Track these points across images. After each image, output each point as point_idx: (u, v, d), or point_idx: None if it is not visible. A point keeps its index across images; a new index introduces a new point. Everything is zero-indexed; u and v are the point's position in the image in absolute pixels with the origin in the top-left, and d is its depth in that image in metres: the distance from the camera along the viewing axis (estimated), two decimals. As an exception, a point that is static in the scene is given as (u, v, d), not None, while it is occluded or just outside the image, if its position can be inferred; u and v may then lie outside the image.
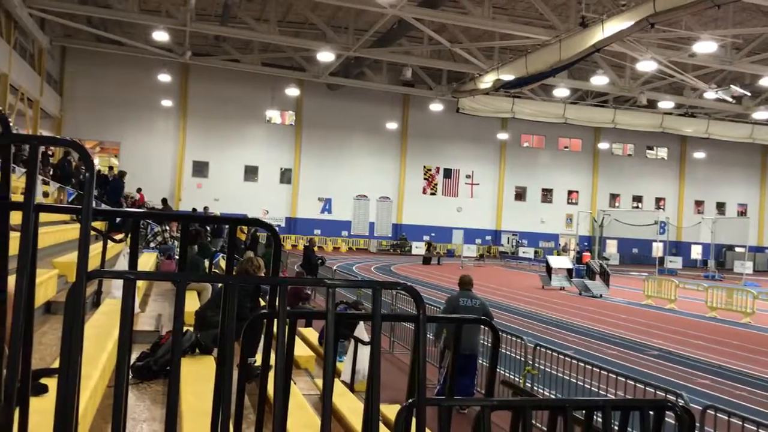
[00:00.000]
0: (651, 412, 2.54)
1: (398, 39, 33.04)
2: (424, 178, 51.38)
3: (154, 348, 6.37)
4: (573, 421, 2.59)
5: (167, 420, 2.12)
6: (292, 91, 43.54)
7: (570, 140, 54.25)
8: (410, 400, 2.24)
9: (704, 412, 6.05)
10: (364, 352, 9.03)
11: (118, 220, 15.66)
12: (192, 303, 9.19)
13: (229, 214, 37.19)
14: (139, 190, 30.00)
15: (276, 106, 46.89)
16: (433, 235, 48.98)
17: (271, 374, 2.76)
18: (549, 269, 29.06)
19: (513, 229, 52.84)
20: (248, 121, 46.38)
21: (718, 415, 6.12)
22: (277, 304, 2.39)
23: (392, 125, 49.02)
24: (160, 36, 31.89)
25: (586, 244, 45.76)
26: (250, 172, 46.91)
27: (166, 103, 44.16)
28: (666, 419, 2.71)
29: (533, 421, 6.79)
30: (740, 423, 5.87)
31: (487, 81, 35.13)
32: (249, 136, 46.65)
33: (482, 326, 9.51)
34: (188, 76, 44.28)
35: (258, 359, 6.20)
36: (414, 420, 2.26)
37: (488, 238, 52.51)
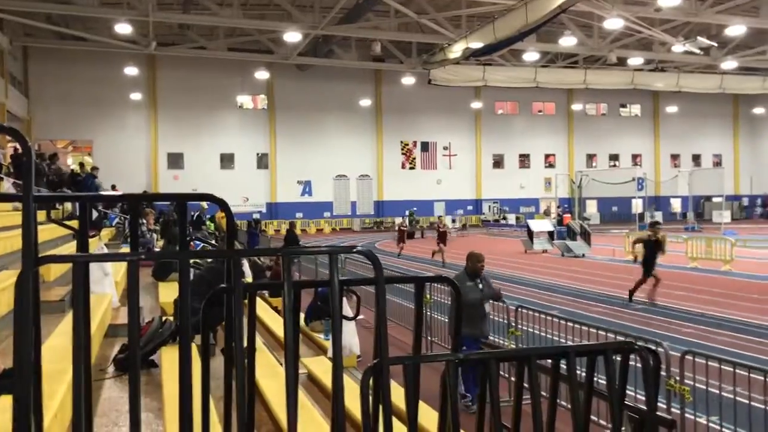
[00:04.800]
0: (616, 356, 2.57)
1: (365, 14, 32.75)
2: (402, 153, 51.31)
3: (135, 339, 6.34)
4: (540, 370, 2.62)
5: (131, 413, 2.11)
6: (262, 75, 43.15)
7: (544, 104, 54.34)
8: (375, 361, 2.26)
9: (683, 357, 6.16)
10: (349, 328, 9.08)
11: (94, 217, 15.52)
12: (172, 293, 9.16)
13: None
14: (113, 187, 29.68)
15: (247, 90, 46.50)
16: (415, 209, 49.08)
17: (259, 357, 2.76)
18: (530, 233, 29.29)
19: (494, 197, 53.04)
20: (220, 109, 45.93)
21: (696, 359, 6.24)
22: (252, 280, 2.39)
23: (366, 102, 48.82)
24: (123, 28, 31.39)
25: (566, 206, 46.08)
26: (227, 160, 46.58)
27: (136, 96, 43.61)
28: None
29: (504, 374, 6.88)
30: (717, 365, 6.00)
31: (456, 50, 35.03)
32: (222, 124, 46.23)
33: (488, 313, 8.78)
34: (155, 68, 43.67)
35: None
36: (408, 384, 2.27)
37: (470, 207, 52.68)
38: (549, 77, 43.34)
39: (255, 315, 2.49)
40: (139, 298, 2.07)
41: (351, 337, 9.13)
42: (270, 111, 47.30)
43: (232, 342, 2.40)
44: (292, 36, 33.89)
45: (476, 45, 32.55)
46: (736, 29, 33.46)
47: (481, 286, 8.30)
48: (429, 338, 11.13)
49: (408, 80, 44.34)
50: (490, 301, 8.71)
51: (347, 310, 9.41)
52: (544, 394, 3.00)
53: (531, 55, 39.44)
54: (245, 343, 2.41)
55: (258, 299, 10.61)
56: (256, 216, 38.84)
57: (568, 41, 35.97)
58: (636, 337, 7.10)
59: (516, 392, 2.65)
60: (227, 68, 43.39)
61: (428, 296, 11.20)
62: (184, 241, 2.13)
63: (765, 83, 46.04)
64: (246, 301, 2.47)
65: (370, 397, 2.29)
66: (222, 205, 2.19)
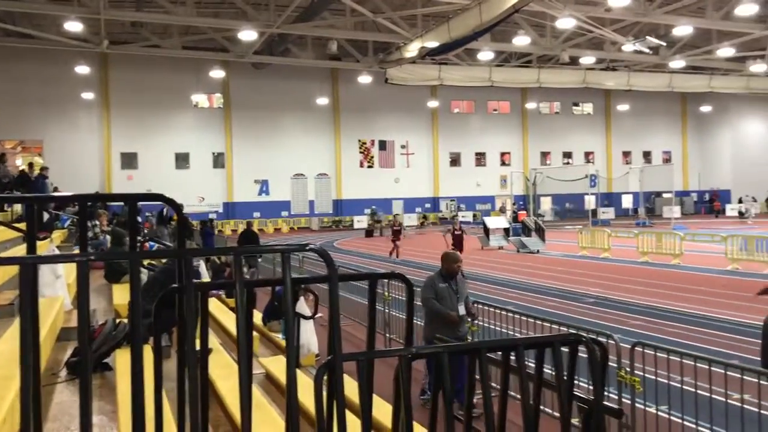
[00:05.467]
0: (564, 348, 2.65)
1: (320, 12, 32.64)
2: (360, 152, 51.34)
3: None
4: (492, 362, 2.69)
5: (81, 416, 2.10)
6: (217, 73, 42.69)
7: (498, 103, 54.99)
8: (328, 357, 2.29)
9: (633, 348, 6.33)
10: (307, 327, 9.07)
11: (45, 219, 15.16)
12: (126, 295, 9.02)
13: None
14: (55, 189, 28.74)
15: (202, 89, 45.92)
16: (374, 207, 49.13)
17: (212, 357, 2.77)
18: (486, 230, 29.64)
19: (451, 195, 53.48)
20: (174, 108, 45.30)
21: (646, 351, 6.42)
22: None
23: (323, 101, 48.68)
24: (73, 26, 30.66)
25: (521, 202, 46.71)
26: (182, 160, 45.97)
27: (87, 95, 42.71)
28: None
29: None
30: (666, 356, 6.19)
31: (412, 50, 35.20)
32: (177, 123, 45.61)
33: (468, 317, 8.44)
34: (108, 66, 42.83)
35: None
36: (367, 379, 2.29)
37: (427, 205, 53.01)
38: (503, 76, 43.87)
39: (207, 315, 2.50)
40: (89, 300, 2.06)
41: (309, 335, 9.14)
42: (226, 110, 46.85)
43: (184, 343, 2.40)
44: (247, 34, 33.59)
45: (432, 44, 32.77)
46: (684, 29, 34.37)
47: (455, 287, 8.03)
48: (387, 336, 11.20)
49: (365, 79, 44.37)
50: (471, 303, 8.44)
51: (305, 309, 9.42)
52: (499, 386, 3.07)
53: (485, 55, 39.85)
54: (198, 344, 2.41)
55: (215, 300, 10.50)
56: (212, 216, 38.46)
57: (521, 41, 36.47)
58: (589, 330, 7.26)
59: (468, 385, 2.71)
60: (182, 67, 42.80)
61: (386, 293, 11.26)
62: (134, 241, 2.12)
63: (711, 82, 47.42)
64: (199, 301, 2.47)
65: (325, 394, 2.32)
66: (172, 204, 2.19)
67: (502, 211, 44.43)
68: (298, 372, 7.72)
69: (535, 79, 44.14)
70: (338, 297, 2.33)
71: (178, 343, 2.53)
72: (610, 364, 6.28)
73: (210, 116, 46.84)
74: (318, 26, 34.50)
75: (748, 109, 59.06)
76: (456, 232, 21.42)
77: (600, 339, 2.98)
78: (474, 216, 49.43)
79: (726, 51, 39.39)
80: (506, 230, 29.99)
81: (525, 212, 37.32)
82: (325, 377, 2.31)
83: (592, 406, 2.80)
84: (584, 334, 2.81)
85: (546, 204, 53.22)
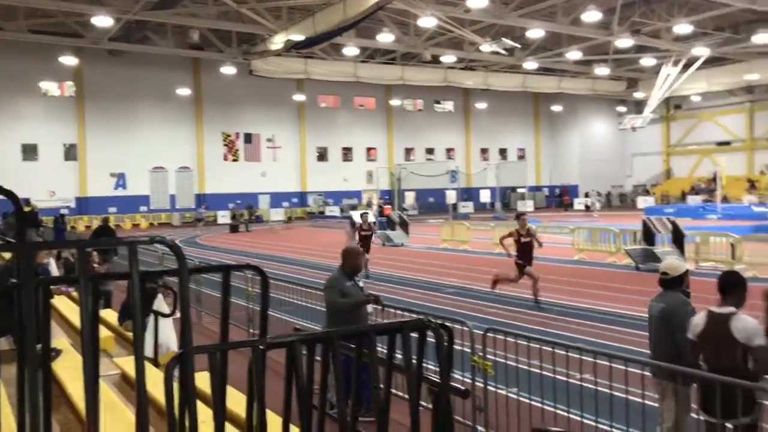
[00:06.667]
0: (412, 333, 2.79)
1: (181, 0, 31.54)
2: (224, 145, 50.16)
3: None
4: (346, 350, 2.79)
5: None
6: (69, 60, 40.02)
7: (365, 99, 55.65)
8: (179, 351, 2.28)
9: (485, 334, 6.69)
10: (166, 325, 8.79)
11: None
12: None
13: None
14: None
15: (52, 77, 43.03)
16: (238, 202, 48.17)
17: (62, 357, 2.65)
18: (353, 224, 29.95)
19: (318, 190, 53.51)
20: (21, 95, 42.12)
21: (497, 336, 6.80)
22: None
23: (184, 91, 47.08)
24: None
25: (387, 197, 47.60)
26: (30, 151, 42.83)
27: None
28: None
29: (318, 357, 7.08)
30: (514, 341, 6.59)
31: (277, 42, 34.88)
32: (23, 112, 42.43)
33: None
34: (-60, 48, 39.11)
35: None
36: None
37: (295, 200, 52.75)
38: (369, 72, 44.54)
39: (50, 312, 2.41)
40: None
41: (168, 333, 8.86)
42: (79, 99, 44.16)
43: (23, 343, 2.30)
44: (102, 20, 31.77)
45: (297, 37, 32.65)
46: (536, 32, 36.38)
47: (361, 284, 7.64)
48: (251, 331, 11.10)
49: (228, 70, 43.32)
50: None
51: (164, 306, 9.13)
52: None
53: (351, 50, 40.18)
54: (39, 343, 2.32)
55: (66, 299, 9.93)
56: (63, 211, 36.23)
57: (385, 38, 37.10)
58: (446, 318, 7.57)
59: (322, 372, 2.80)
60: (29, 52, 39.80)
61: (250, 288, 11.14)
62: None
63: (561, 83, 50.75)
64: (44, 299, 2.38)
65: (176, 387, 2.31)
66: (11, 198, 2.10)
67: (369, 205, 45.06)
68: (155, 371, 7.48)
69: (399, 76, 45.18)
70: (188, 289, 2.32)
71: (17, 343, 2.42)
72: (464, 349, 6.63)
73: (61, 105, 43.96)
74: (178, 14, 33.30)
75: (593, 110, 63.59)
76: (524, 239, 14.29)
77: (448, 324, 3.15)
78: (341, 210, 49.85)
79: (574, 54, 42.10)
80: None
81: (390, 206, 38.15)
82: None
83: (440, 386, 2.98)
84: (431, 320, 2.97)
85: (410, 198, 54.57)
